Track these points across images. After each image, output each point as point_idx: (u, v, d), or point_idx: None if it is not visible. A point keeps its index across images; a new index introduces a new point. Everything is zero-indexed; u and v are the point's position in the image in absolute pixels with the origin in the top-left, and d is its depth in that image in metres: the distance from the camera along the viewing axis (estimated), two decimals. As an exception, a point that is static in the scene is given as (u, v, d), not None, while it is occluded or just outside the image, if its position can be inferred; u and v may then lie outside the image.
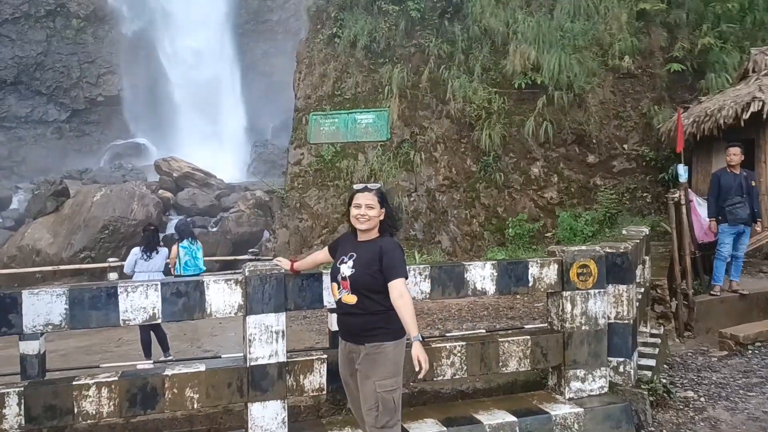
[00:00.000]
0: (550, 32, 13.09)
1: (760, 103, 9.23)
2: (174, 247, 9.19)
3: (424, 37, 14.41)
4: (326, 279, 3.97)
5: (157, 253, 8.00)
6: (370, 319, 3.30)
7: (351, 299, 3.32)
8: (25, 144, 35.42)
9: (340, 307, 3.42)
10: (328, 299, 3.99)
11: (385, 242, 3.37)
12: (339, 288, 3.38)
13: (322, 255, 3.80)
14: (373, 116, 14.43)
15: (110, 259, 12.91)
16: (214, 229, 23.81)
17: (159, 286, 3.63)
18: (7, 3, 34.00)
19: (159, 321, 3.73)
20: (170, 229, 20.83)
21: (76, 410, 3.49)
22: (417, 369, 3.13)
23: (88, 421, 3.64)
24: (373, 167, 13.98)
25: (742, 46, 12.28)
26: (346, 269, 3.34)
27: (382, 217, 3.41)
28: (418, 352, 3.14)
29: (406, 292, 3.24)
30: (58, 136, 36.51)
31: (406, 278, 3.32)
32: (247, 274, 3.76)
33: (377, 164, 13.93)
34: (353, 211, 3.40)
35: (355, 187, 3.47)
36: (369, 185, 3.46)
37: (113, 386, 3.54)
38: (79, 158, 35.39)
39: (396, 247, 3.38)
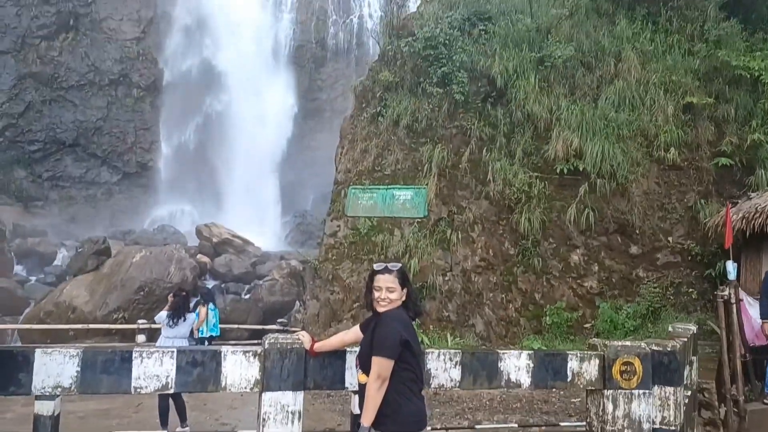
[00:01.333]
0: (593, 120, 13.07)
1: (815, 202, 8.87)
2: (203, 309, 9.18)
3: (467, 120, 14.56)
4: (350, 357, 3.77)
5: (184, 320, 7.90)
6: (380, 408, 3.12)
7: (363, 378, 3.14)
8: (75, 203, 36.68)
9: (360, 388, 3.25)
10: (351, 380, 3.77)
11: (386, 315, 3.20)
12: (357, 367, 3.22)
13: (351, 335, 3.61)
14: (411, 193, 14.44)
15: (140, 321, 12.91)
16: (247, 297, 23.79)
17: (175, 354, 3.48)
18: (74, 71, 36.18)
19: (171, 391, 3.56)
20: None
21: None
22: None
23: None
24: (408, 243, 13.84)
25: (793, 143, 12.01)
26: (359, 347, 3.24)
27: (404, 298, 3.25)
28: None
29: (384, 378, 3.03)
30: (107, 197, 37.76)
31: (389, 358, 3.08)
32: (266, 346, 3.58)
33: (413, 241, 13.80)
34: (374, 294, 3.26)
35: (375, 267, 3.34)
36: (389, 265, 3.31)
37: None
38: (126, 219, 36.38)
39: (391, 320, 3.18)
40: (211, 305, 8.79)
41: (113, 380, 3.39)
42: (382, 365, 3.04)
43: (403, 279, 3.29)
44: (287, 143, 39.79)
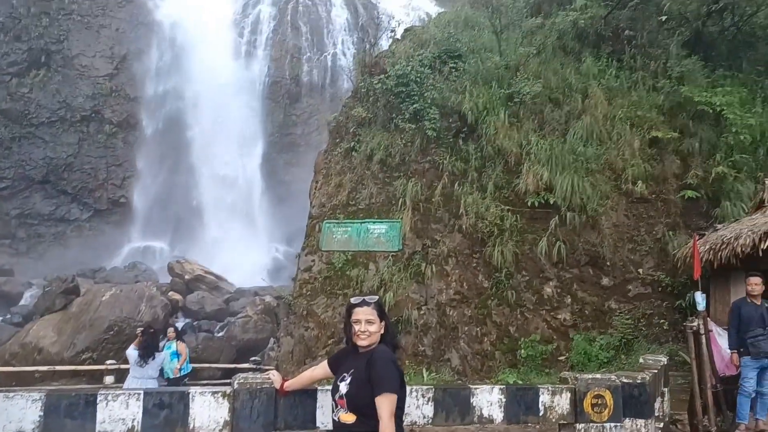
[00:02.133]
0: (562, 155, 13.32)
1: (778, 233, 9.10)
2: (182, 345, 9.14)
3: (439, 154, 14.74)
4: (321, 396, 3.73)
5: (153, 358, 7.74)
6: None
7: (349, 418, 3.05)
8: (44, 241, 35.96)
9: (339, 428, 3.14)
10: (322, 420, 3.72)
11: (377, 351, 3.16)
12: (336, 407, 3.14)
13: (320, 370, 3.57)
14: (385, 227, 14.48)
15: (108, 362, 12.59)
16: (220, 334, 23.38)
17: (141, 396, 3.41)
18: (45, 107, 35.88)
19: (137, 435, 3.47)
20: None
21: None
22: None
23: None
24: (383, 277, 13.82)
25: (755, 176, 12.35)
26: (344, 386, 3.13)
27: (383, 331, 3.24)
28: None
29: (390, 414, 2.97)
30: (77, 235, 37.10)
31: (395, 393, 3.05)
32: (236, 386, 3.53)
33: (388, 274, 13.78)
34: (354, 327, 3.24)
35: (353, 300, 3.33)
36: (367, 298, 3.31)
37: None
38: (96, 257, 35.69)
39: (387, 357, 3.16)
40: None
41: (77, 425, 3.30)
42: (392, 402, 3.00)
43: (381, 312, 3.29)
44: (261, 177, 39.74)
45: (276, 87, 40.25)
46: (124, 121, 37.86)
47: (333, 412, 3.20)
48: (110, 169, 37.60)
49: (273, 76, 40.23)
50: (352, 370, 3.18)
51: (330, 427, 3.84)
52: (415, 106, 14.84)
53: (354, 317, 3.23)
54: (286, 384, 3.57)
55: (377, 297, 3.41)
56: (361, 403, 3.04)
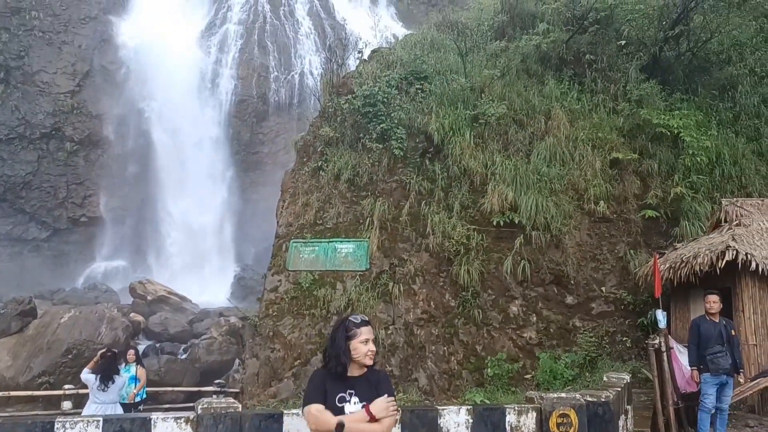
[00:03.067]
0: (527, 175, 13.56)
1: (734, 252, 9.40)
2: (142, 371, 8.94)
3: (406, 174, 14.84)
4: (287, 420, 3.67)
5: (113, 382, 7.52)
6: None
7: None
8: (0, 261, 34.82)
9: None
10: (288, 444, 3.66)
11: (382, 374, 3.27)
12: None
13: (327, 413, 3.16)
14: (353, 246, 14.45)
15: (66, 387, 12.20)
16: (183, 356, 22.84)
17: (101, 423, 3.31)
18: (3, 124, 34.93)
19: (96, 464, 3.36)
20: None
21: None
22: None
23: None
24: (351, 297, 13.75)
25: (712, 196, 12.77)
26: (356, 407, 3.11)
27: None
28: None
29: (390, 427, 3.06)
30: (35, 255, 36.02)
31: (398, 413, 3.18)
32: (199, 411, 3.46)
33: (355, 294, 13.72)
34: (362, 348, 3.17)
35: (354, 319, 3.26)
36: (363, 318, 3.29)
37: None
38: (55, 278, 34.68)
39: (389, 379, 3.29)
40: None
41: (32, 455, 3.18)
42: (392, 402, 3.10)
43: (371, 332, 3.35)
44: (227, 197, 39.33)
45: (243, 105, 40.03)
46: (86, 138, 37.09)
47: None
48: (71, 188, 36.70)
49: (240, 95, 40.02)
50: (351, 392, 3.15)
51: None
52: (382, 126, 14.95)
53: (362, 337, 3.18)
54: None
55: (365, 316, 3.42)
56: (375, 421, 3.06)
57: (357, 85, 16.21)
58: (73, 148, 36.70)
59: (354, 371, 3.22)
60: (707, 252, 9.75)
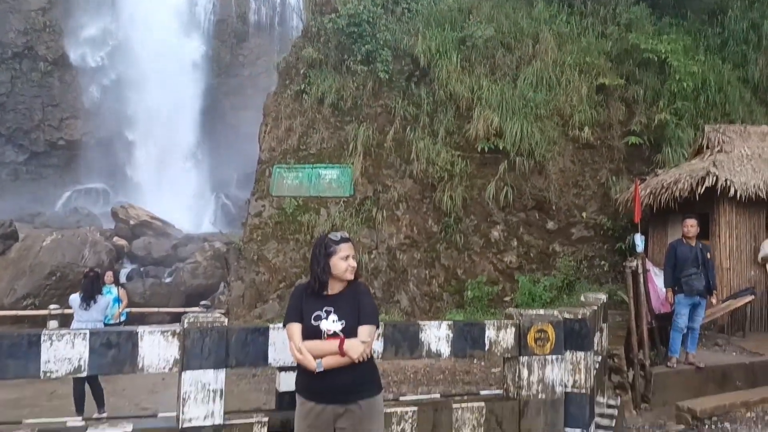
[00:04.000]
0: (513, 100, 13.42)
1: (714, 178, 9.51)
2: (123, 291, 9.01)
3: (391, 98, 14.61)
4: (273, 334, 3.73)
5: (95, 302, 7.56)
6: (362, 373, 3.12)
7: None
8: (-23, 184, 34.29)
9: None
10: (274, 357, 3.75)
11: (361, 287, 3.25)
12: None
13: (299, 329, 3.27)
14: (337, 172, 14.38)
15: (51, 306, 12.30)
16: (168, 280, 23.06)
17: (87, 336, 3.34)
18: (-28, 43, 33.60)
19: (85, 374, 3.43)
20: (123, 278, 20.14)
21: (-20, 472, 3.13)
22: None
23: (-6, 485, 3.27)
24: (334, 222, 13.83)
25: (696, 123, 12.78)
26: (332, 325, 3.11)
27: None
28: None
29: (370, 344, 3.10)
30: (13, 178, 35.46)
31: (378, 327, 3.20)
32: (185, 325, 3.50)
33: (339, 220, 13.79)
34: (342, 264, 3.19)
35: (334, 237, 3.27)
36: (342, 235, 3.29)
37: (26, 446, 3.20)
38: (35, 202, 34.29)
39: (370, 295, 3.28)
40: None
41: (20, 365, 3.22)
42: (372, 333, 3.11)
43: (353, 248, 3.33)
44: (208, 121, 38.62)
45: (222, 26, 38.69)
46: (60, 58, 35.80)
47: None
48: (46, 110, 35.75)
49: (219, 14, 38.61)
50: (329, 309, 3.15)
51: (282, 363, 3.88)
52: (367, 47, 14.56)
53: (342, 253, 3.20)
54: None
55: (345, 233, 3.39)
56: (354, 335, 3.09)
57: (341, 3, 15.63)
58: (47, 68, 35.50)
59: (334, 288, 3.23)
60: (688, 178, 9.85)
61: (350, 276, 3.22)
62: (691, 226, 7.69)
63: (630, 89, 13.75)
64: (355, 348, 3.06)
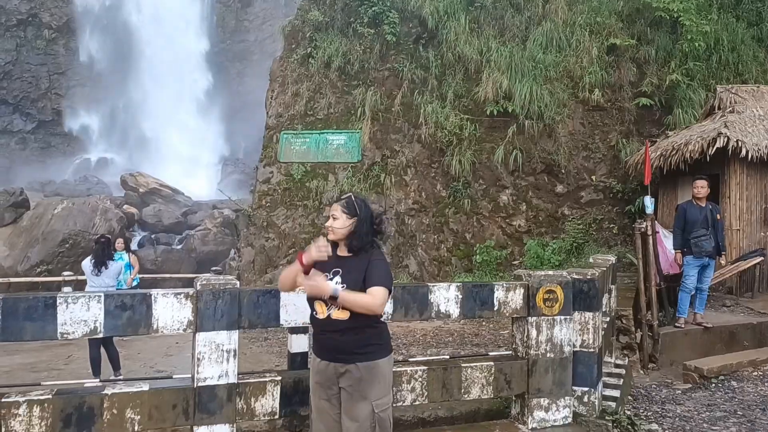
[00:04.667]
0: (522, 62, 13.23)
1: (725, 139, 9.41)
2: (134, 257, 9.10)
3: (399, 62, 14.45)
4: (284, 296, 3.78)
5: (106, 268, 7.65)
6: (363, 336, 3.10)
7: (344, 315, 3.06)
8: (-14, 153, 34.48)
9: (328, 324, 3.13)
10: (285, 318, 3.80)
11: (375, 254, 3.19)
12: (327, 306, 3.12)
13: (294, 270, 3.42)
14: (344, 137, 14.34)
15: (65, 273, 12.47)
16: (179, 247, 23.30)
17: (102, 298, 3.40)
18: (-24, 11, 33.39)
19: (101, 335, 3.50)
20: (134, 246, 20.32)
21: (3, 430, 3.22)
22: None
23: (17, 443, 3.36)
24: (343, 188, 13.83)
25: (708, 84, 12.57)
26: (335, 285, 3.10)
27: (351, 228, 3.16)
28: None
29: (382, 303, 3.04)
30: (22, 147, 35.65)
31: (390, 292, 3.14)
32: (198, 288, 3.55)
33: (347, 185, 13.79)
34: (327, 224, 3.25)
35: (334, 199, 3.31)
36: (341, 195, 3.29)
37: (46, 405, 3.28)
38: (44, 170, 34.52)
39: (384, 261, 3.22)
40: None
41: (38, 327, 3.29)
42: (386, 295, 3.09)
43: (350, 208, 3.17)
44: (214, 88, 38.42)
45: (226, -10, 38.24)
46: (64, 25, 35.59)
47: (317, 311, 3.16)
48: (53, 78, 35.71)
49: (222, -22, 38.12)
50: (337, 270, 3.15)
51: (294, 324, 3.94)
52: (374, 9, 14.34)
53: (329, 213, 3.23)
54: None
55: (350, 194, 3.29)
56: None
57: (347, -36, 15.36)
58: (51, 35, 35.34)
59: (342, 250, 3.23)
60: (699, 139, 9.75)
61: (330, 236, 3.23)
62: (701, 187, 7.64)
63: (641, 50, 13.51)
64: (316, 284, 3.02)
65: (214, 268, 16.39)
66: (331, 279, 3.13)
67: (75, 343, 8.71)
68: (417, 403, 4.10)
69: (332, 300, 3.06)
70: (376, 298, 3.02)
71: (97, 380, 6.55)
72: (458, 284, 4.24)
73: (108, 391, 3.43)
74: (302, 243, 13.72)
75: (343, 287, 3.06)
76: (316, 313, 3.20)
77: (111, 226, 20.28)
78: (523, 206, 12.99)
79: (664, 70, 13.16)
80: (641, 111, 13.03)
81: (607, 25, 13.86)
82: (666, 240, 8.21)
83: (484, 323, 9.58)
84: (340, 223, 3.17)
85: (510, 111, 12.84)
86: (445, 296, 4.15)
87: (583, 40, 13.58)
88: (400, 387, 3.96)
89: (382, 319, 3.28)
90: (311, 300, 3.21)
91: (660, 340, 7.35)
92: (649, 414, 5.54)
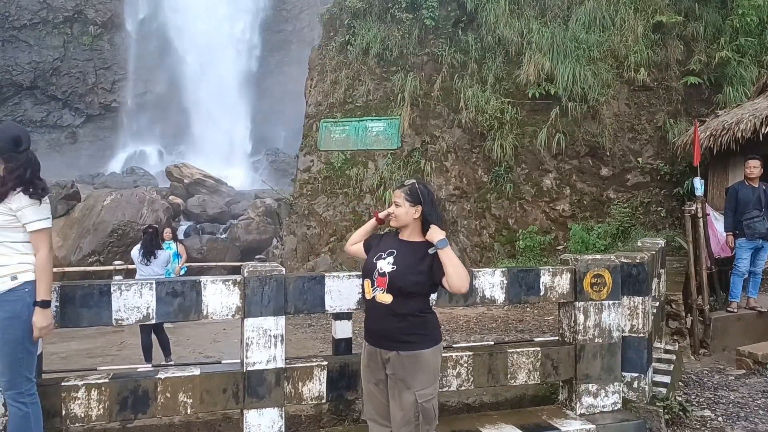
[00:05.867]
0: (564, 43, 12.94)
1: (780, 117, 9.01)
2: (182, 247, 9.32)
3: (438, 46, 14.32)
4: (329, 282, 3.82)
5: (155, 257, 7.84)
6: (407, 324, 3.07)
7: (386, 298, 3.05)
8: (38, 148, 35.63)
9: (373, 308, 3.15)
10: (330, 304, 3.84)
11: (437, 249, 3.11)
12: (373, 285, 3.12)
13: (370, 227, 3.52)
14: (384, 124, 14.32)
15: (116, 262, 12.86)
16: (223, 236, 23.76)
17: (154, 285, 3.50)
18: (26, 9, 34.43)
19: (153, 321, 3.60)
20: (180, 235, 20.81)
21: (64, 412, 3.36)
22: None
23: (77, 425, 3.50)
24: (383, 175, 13.85)
25: (760, 60, 12.07)
26: (386, 265, 3.09)
27: (417, 215, 3.14)
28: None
29: (468, 279, 3.13)
30: (72, 141, 36.79)
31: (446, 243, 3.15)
32: (245, 275, 3.61)
33: (387, 172, 13.80)
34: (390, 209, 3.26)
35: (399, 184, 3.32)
36: (405, 181, 3.28)
37: (103, 388, 3.40)
38: (93, 163, 35.60)
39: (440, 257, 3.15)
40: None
41: (93, 313, 3.41)
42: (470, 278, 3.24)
43: (413, 195, 3.15)
44: (255, 79, 38.81)
45: (263, -19, 38.48)
46: (109, 21, 36.45)
47: (365, 291, 3.18)
48: (99, 73, 36.66)
49: (259, -31, 38.38)
50: (392, 251, 3.14)
51: (338, 310, 3.98)
52: (412, -7, 14.23)
53: (394, 199, 3.23)
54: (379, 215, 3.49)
55: (413, 181, 3.25)
56: (404, 286, 3.04)
57: (384, -50, 15.26)
58: (96, 31, 36.24)
59: (403, 234, 3.21)
60: (751, 118, 9.36)
61: (393, 223, 3.22)
62: (754, 167, 7.38)
63: (689, 26, 13.03)
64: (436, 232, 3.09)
65: (258, 257, 16.69)
66: (384, 258, 3.14)
67: (127, 330, 8.99)
68: (462, 388, 4.09)
69: (380, 277, 3.07)
70: (466, 272, 3.09)
71: (150, 365, 6.75)
72: (503, 269, 4.21)
73: (161, 375, 3.54)
74: (343, 231, 13.81)
75: (393, 267, 3.07)
76: (364, 293, 3.22)
77: (158, 216, 20.79)
78: (566, 190, 12.77)
79: (713, 47, 12.68)
80: (689, 90, 12.60)
81: (653, 2, 13.40)
82: (717, 222, 7.97)
83: (528, 309, 9.49)
84: (402, 210, 3.16)
85: (552, 93, 12.59)
86: (490, 281, 4.12)
87: (628, 18, 13.17)
88: (445, 372, 3.96)
89: (432, 308, 3.26)
90: (363, 277, 3.23)
91: (711, 326, 7.16)
92: (701, 400, 5.40)
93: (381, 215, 3.33)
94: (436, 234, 3.05)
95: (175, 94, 37.61)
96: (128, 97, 37.38)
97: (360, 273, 3.76)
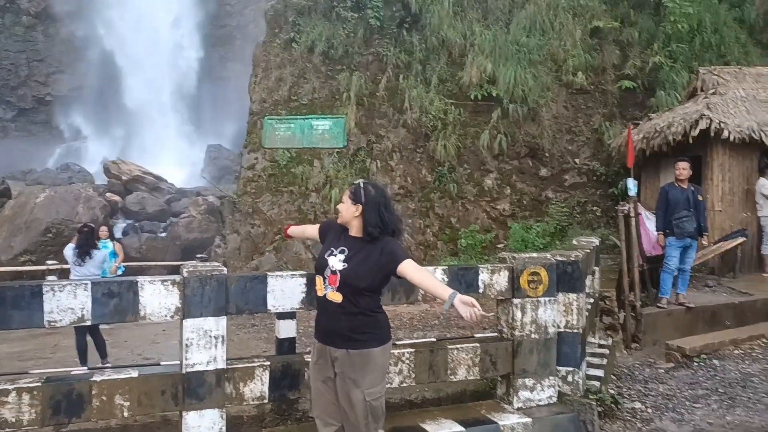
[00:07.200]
0: (506, 46, 13.25)
1: (708, 121, 9.50)
2: (119, 245, 9.03)
3: (383, 46, 14.40)
4: (271, 281, 3.80)
5: (90, 257, 7.58)
6: (357, 322, 3.09)
7: (337, 297, 3.08)
8: (-35, 142, 33.93)
9: (324, 305, 3.17)
10: (273, 303, 3.82)
11: (387, 241, 3.16)
12: (325, 283, 3.13)
13: (312, 230, 3.58)
14: (329, 123, 14.29)
15: (49, 262, 12.38)
16: (163, 235, 23.14)
17: (89, 286, 3.40)
18: (-48, -4, 32.68)
19: (89, 323, 3.50)
20: (118, 234, 20.16)
21: (-7, 418, 3.23)
22: (469, 316, 2.85)
23: (7, 430, 3.37)
24: (328, 174, 13.83)
25: (690, 65, 12.67)
26: (337, 263, 3.11)
27: (357, 214, 3.16)
28: (463, 300, 2.89)
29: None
30: (2, 136, 35.09)
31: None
32: (185, 275, 3.55)
33: (333, 171, 13.79)
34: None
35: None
36: (355, 181, 3.31)
37: (35, 392, 3.28)
38: (25, 159, 33.98)
39: (396, 242, 3.22)
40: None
41: (25, 315, 3.28)
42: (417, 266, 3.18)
43: (356, 195, 3.17)
44: (197, 73, 37.99)
45: (207, -26, 37.67)
46: (43, 12, 34.94)
47: (317, 288, 3.20)
48: (32, 65, 35.11)
49: (203, -38, 37.54)
50: (343, 249, 3.16)
51: (281, 310, 3.97)
52: (357, -8, 14.26)
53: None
54: (289, 230, 3.83)
55: (359, 181, 3.28)
56: (355, 284, 3.06)
57: (329, -52, 15.22)
58: (30, 22, 34.68)
59: (351, 231, 3.24)
60: (681, 121, 9.84)
61: (339, 219, 3.27)
62: (683, 168, 7.72)
63: (624, 32, 13.57)
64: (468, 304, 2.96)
65: (199, 255, 16.34)
66: (336, 255, 3.17)
67: (61, 332, 8.66)
68: (404, 385, 4.15)
69: (332, 275, 3.10)
70: (420, 269, 3.16)
71: (85, 368, 6.55)
72: (444, 267, 4.29)
73: (97, 378, 3.44)
74: (288, 229, 13.70)
75: (344, 265, 3.10)
76: (316, 290, 3.24)
77: (94, 214, 20.10)
78: (507, 190, 13.07)
79: (647, 52, 13.25)
80: (624, 93, 13.12)
81: (591, 8, 13.91)
82: (649, 222, 8.31)
83: (470, 306, 9.67)
84: (344, 207, 3.22)
85: (494, 95, 12.87)
86: (432, 279, 4.19)
87: (567, 23, 13.62)
88: (388, 369, 4.00)
89: (382, 307, 3.29)
90: (316, 273, 3.27)
91: (643, 321, 7.46)
92: (632, 393, 5.64)
93: (289, 231, 3.82)
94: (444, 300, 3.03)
95: (112, 88, 36.38)
96: (63, 91, 35.92)
97: (304, 273, 3.81)
